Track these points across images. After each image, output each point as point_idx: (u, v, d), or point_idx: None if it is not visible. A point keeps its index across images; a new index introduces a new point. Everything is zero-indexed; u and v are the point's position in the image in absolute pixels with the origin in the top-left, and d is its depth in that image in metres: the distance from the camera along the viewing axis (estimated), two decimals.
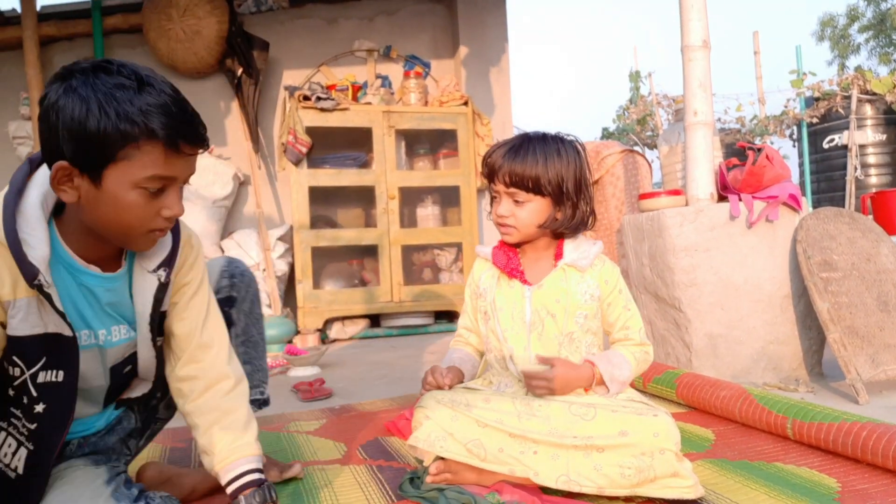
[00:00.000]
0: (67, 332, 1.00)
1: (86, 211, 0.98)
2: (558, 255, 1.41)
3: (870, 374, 1.93)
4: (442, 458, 1.31)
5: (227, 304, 1.37)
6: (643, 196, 2.41)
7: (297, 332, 3.83)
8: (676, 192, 2.36)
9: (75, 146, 0.92)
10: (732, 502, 1.23)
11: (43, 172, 1.00)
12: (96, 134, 0.91)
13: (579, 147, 1.39)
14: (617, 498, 1.23)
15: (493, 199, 1.41)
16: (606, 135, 8.82)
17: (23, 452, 1.02)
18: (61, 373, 1.01)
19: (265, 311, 3.84)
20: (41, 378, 1.00)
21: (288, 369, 2.99)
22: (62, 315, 0.98)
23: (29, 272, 0.92)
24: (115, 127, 0.91)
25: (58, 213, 1.02)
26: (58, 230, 1.01)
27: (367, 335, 4.04)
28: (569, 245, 1.41)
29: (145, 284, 1.11)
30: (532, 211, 1.36)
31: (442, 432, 1.29)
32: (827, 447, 1.44)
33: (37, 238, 0.94)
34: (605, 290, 1.39)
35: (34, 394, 1.01)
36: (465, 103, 4.21)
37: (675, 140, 2.53)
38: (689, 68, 2.32)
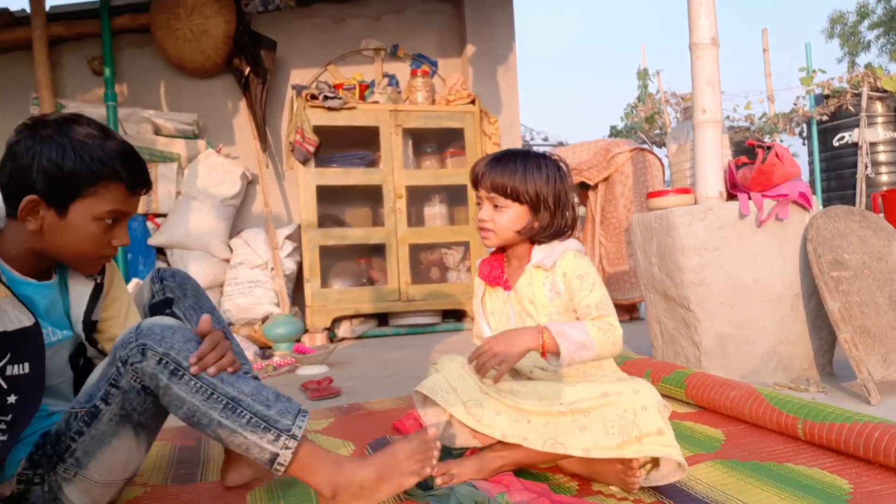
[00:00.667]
0: (29, 321, 1.11)
1: (45, 238, 1.15)
2: (528, 259, 1.49)
3: (882, 373, 1.92)
4: (443, 462, 1.33)
5: (165, 305, 1.43)
6: (651, 195, 2.39)
7: (306, 331, 3.84)
8: (685, 191, 2.35)
9: (49, 183, 1.10)
10: (742, 503, 1.22)
11: None
12: (71, 173, 1.10)
13: (562, 165, 1.48)
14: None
15: (478, 204, 1.50)
16: (615, 133, 8.79)
17: None
18: (27, 364, 1.11)
19: (273, 309, 3.85)
20: (9, 371, 1.09)
21: (296, 368, 2.99)
22: (30, 310, 1.10)
23: None
24: (88, 168, 1.11)
25: None
26: None
27: (376, 334, 4.04)
28: (538, 248, 1.48)
29: (82, 289, 1.28)
30: (510, 217, 1.44)
31: (447, 385, 1.37)
32: (839, 448, 1.43)
33: None
34: (565, 283, 1.43)
35: (4, 386, 1.08)
36: (473, 102, 4.20)
37: (683, 138, 2.52)
38: (697, 66, 2.30)
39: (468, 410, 1.34)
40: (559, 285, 1.44)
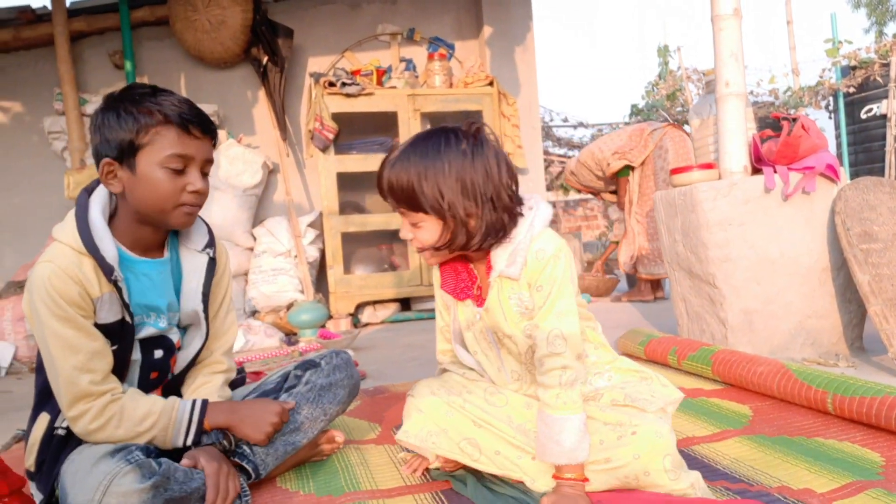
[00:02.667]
0: (117, 316, 1.22)
1: (130, 198, 1.22)
2: (489, 267, 1.21)
3: None
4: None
5: (308, 365, 1.48)
6: (675, 171, 2.36)
7: (330, 317, 3.87)
8: (709, 166, 2.31)
9: (114, 143, 1.18)
10: (772, 477, 1.21)
11: (96, 194, 1.24)
12: (126, 129, 1.17)
13: (481, 137, 1.16)
14: None
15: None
16: (635, 111, 8.67)
17: None
18: (127, 353, 1.25)
19: (297, 296, 3.89)
20: (124, 356, 1.24)
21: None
22: (125, 304, 1.21)
23: (107, 270, 1.17)
24: (137, 119, 1.17)
25: (109, 221, 1.25)
26: (112, 234, 1.23)
27: (398, 319, 4.07)
28: (497, 251, 1.19)
29: (196, 263, 1.34)
30: (428, 231, 1.16)
31: (435, 427, 1.27)
32: (869, 421, 1.41)
33: (106, 243, 1.19)
34: (531, 296, 1.18)
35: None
36: (491, 83, 4.17)
37: (706, 113, 2.47)
38: (719, 38, 2.26)
39: (463, 451, 1.26)
40: (528, 300, 1.18)
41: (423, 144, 1.15)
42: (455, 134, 1.16)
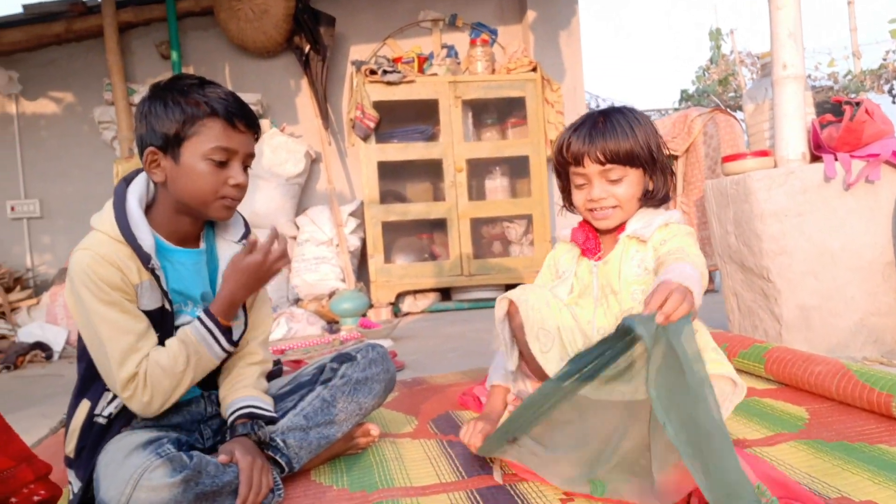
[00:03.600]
0: (157, 304, 1.23)
1: (171, 188, 1.23)
2: (620, 229, 1.38)
3: None
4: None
5: (344, 358, 1.46)
6: (727, 158, 2.25)
7: (371, 306, 3.88)
8: (764, 153, 2.20)
9: (160, 133, 1.19)
10: (830, 487, 1.13)
11: (134, 184, 1.25)
12: (172, 120, 1.19)
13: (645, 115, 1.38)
14: None
15: (575, 186, 1.36)
16: (686, 97, 8.41)
17: (119, 400, 1.23)
18: (165, 339, 1.26)
19: (339, 285, 3.90)
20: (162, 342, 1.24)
21: (361, 342, 3.01)
22: (164, 292, 1.22)
23: (144, 258, 1.18)
24: (184, 110, 1.18)
25: (146, 211, 1.27)
26: (149, 224, 1.24)
27: (439, 308, 4.04)
28: (637, 217, 1.36)
29: (232, 254, 1.32)
30: (630, 185, 1.33)
31: (539, 303, 1.37)
32: None
33: (143, 232, 1.20)
34: (655, 256, 1.31)
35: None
36: (534, 69, 4.08)
37: (761, 97, 2.35)
38: (776, 17, 2.13)
39: (537, 337, 1.32)
40: (649, 261, 1.32)
41: (616, 113, 1.34)
42: (630, 109, 1.37)
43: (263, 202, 3.99)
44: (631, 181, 1.33)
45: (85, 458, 1.21)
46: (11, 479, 0.83)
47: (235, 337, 1.29)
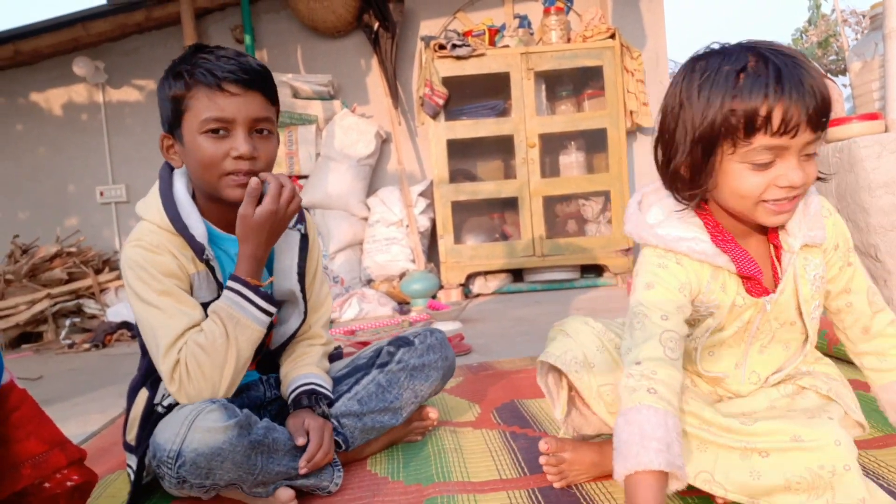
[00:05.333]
0: (212, 295, 1.17)
1: (189, 172, 1.17)
2: (772, 231, 0.97)
3: None
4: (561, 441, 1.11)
5: (402, 342, 1.38)
6: (829, 123, 2.01)
7: (441, 287, 3.82)
8: (873, 117, 1.94)
9: (171, 114, 1.13)
10: None
11: (179, 170, 1.19)
12: (166, 102, 1.13)
13: None
14: None
15: (753, 166, 0.89)
16: None
17: None
18: None
19: (409, 266, 3.86)
20: None
21: (430, 324, 2.96)
22: (219, 284, 1.17)
23: (198, 249, 1.13)
24: (171, 86, 1.11)
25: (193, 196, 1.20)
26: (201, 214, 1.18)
27: (510, 290, 3.93)
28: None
29: (288, 240, 1.25)
30: (815, 161, 0.92)
31: (582, 357, 1.06)
32: None
33: (194, 220, 1.14)
34: (828, 260, 0.99)
35: None
36: (612, 36, 3.85)
37: (870, 53, 2.08)
38: None
39: (600, 395, 1.05)
40: (822, 269, 0.98)
41: (788, 54, 0.88)
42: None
43: (335, 184, 3.99)
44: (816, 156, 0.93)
45: (144, 439, 1.21)
46: (44, 464, 0.82)
47: (294, 320, 1.21)
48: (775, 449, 0.90)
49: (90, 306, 3.77)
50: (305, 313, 1.30)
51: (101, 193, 4.43)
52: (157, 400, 1.20)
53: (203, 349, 1.09)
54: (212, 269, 1.15)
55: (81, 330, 3.69)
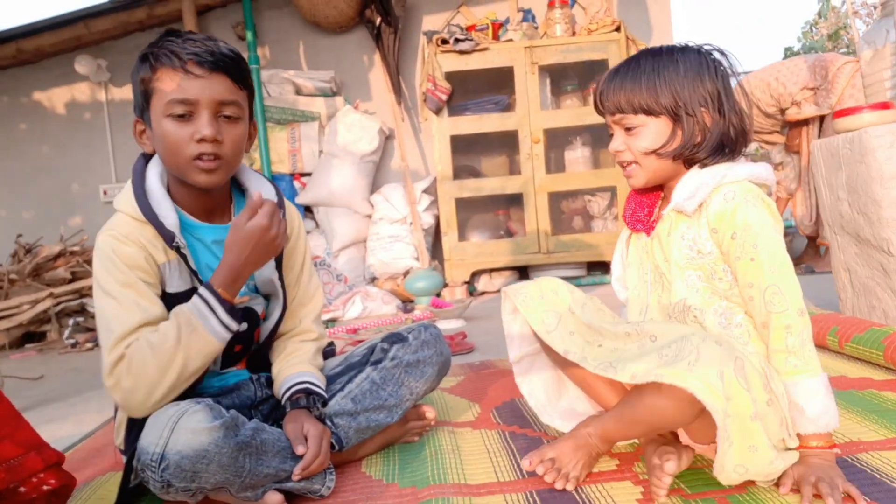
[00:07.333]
0: (186, 286, 1.16)
1: (160, 158, 1.15)
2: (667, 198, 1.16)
3: None
4: None
5: (395, 338, 1.35)
6: (839, 113, 1.95)
7: (445, 285, 3.78)
8: (884, 106, 1.89)
9: (135, 99, 1.13)
10: None
11: (156, 158, 1.18)
12: (135, 82, 1.12)
13: (715, 55, 1.12)
14: None
15: (610, 136, 1.17)
16: (790, 55, 7.73)
17: None
18: None
19: (413, 263, 3.83)
20: None
21: (433, 322, 2.93)
22: (194, 272, 1.14)
23: (168, 237, 1.10)
24: (139, 70, 1.11)
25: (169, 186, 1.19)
26: (173, 200, 1.16)
27: None
28: (688, 177, 1.10)
29: None
30: (647, 136, 1.10)
31: (536, 293, 1.21)
32: None
33: (165, 209, 1.12)
34: (716, 241, 1.07)
35: None
36: (618, 29, 3.79)
37: (881, 41, 2.03)
38: None
39: (543, 319, 1.17)
40: (703, 243, 1.08)
41: (654, 53, 1.12)
42: (681, 48, 1.13)
43: (339, 181, 3.96)
44: (648, 132, 1.10)
45: (131, 443, 1.18)
46: (19, 468, 0.79)
47: (204, 290, 1.10)
48: (663, 334, 1.01)
49: (93, 306, 3.76)
50: (285, 304, 1.28)
51: (105, 192, 4.42)
52: None
53: (152, 348, 1.05)
54: (184, 256, 1.12)
55: (85, 329, 3.68)
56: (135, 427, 1.14)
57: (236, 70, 1.11)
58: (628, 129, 1.12)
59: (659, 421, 1.01)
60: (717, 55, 1.12)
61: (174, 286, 1.14)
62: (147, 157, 1.19)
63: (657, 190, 1.20)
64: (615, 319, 1.21)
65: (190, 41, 1.08)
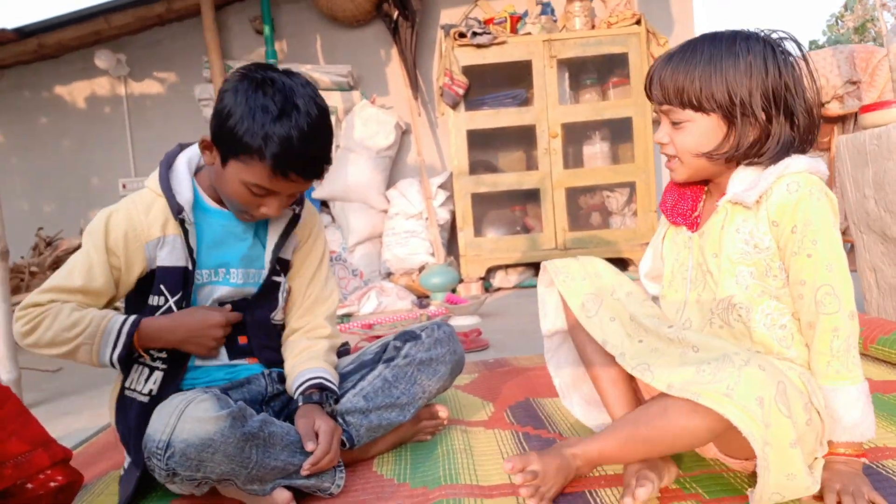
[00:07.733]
0: (184, 262, 1.18)
1: (213, 174, 1.21)
2: (722, 191, 1.07)
3: None
4: None
5: (408, 336, 1.35)
6: (866, 108, 1.90)
7: (461, 281, 3.76)
8: None
9: (215, 132, 1.14)
10: None
11: (192, 148, 1.25)
12: (229, 134, 1.10)
13: (785, 43, 1.01)
14: None
15: (658, 123, 1.12)
16: (816, 48, 7.60)
17: (158, 375, 1.18)
18: (184, 303, 1.21)
19: (428, 259, 3.81)
20: (182, 306, 1.20)
21: (448, 318, 2.91)
22: (190, 250, 1.18)
23: (176, 208, 1.16)
24: (240, 136, 1.08)
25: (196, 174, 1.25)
26: (197, 185, 1.23)
27: (531, 284, 3.86)
28: (741, 172, 1.03)
29: (280, 219, 1.27)
30: (693, 134, 1.02)
31: (579, 273, 1.17)
32: None
33: (184, 186, 1.19)
34: (775, 235, 0.99)
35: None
36: (638, 22, 3.73)
37: None
38: None
39: (584, 306, 1.13)
40: (760, 237, 1.00)
41: (711, 40, 1.02)
42: (746, 36, 1.01)
43: (355, 176, 3.95)
44: (696, 129, 1.01)
45: (134, 437, 1.17)
46: (27, 464, 0.79)
47: (128, 324, 1.15)
48: (706, 346, 0.96)
49: None
50: (280, 293, 1.29)
51: (124, 186, 4.45)
52: (127, 383, 1.20)
53: (62, 321, 1.11)
54: (186, 232, 1.17)
55: None
56: (120, 413, 1.19)
57: (321, 176, 1.16)
58: (675, 123, 1.04)
59: (684, 441, 0.95)
60: (787, 45, 1.01)
61: (165, 260, 1.18)
62: (184, 146, 1.25)
63: (701, 183, 1.12)
64: (658, 313, 1.13)
65: (300, 141, 1.07)
